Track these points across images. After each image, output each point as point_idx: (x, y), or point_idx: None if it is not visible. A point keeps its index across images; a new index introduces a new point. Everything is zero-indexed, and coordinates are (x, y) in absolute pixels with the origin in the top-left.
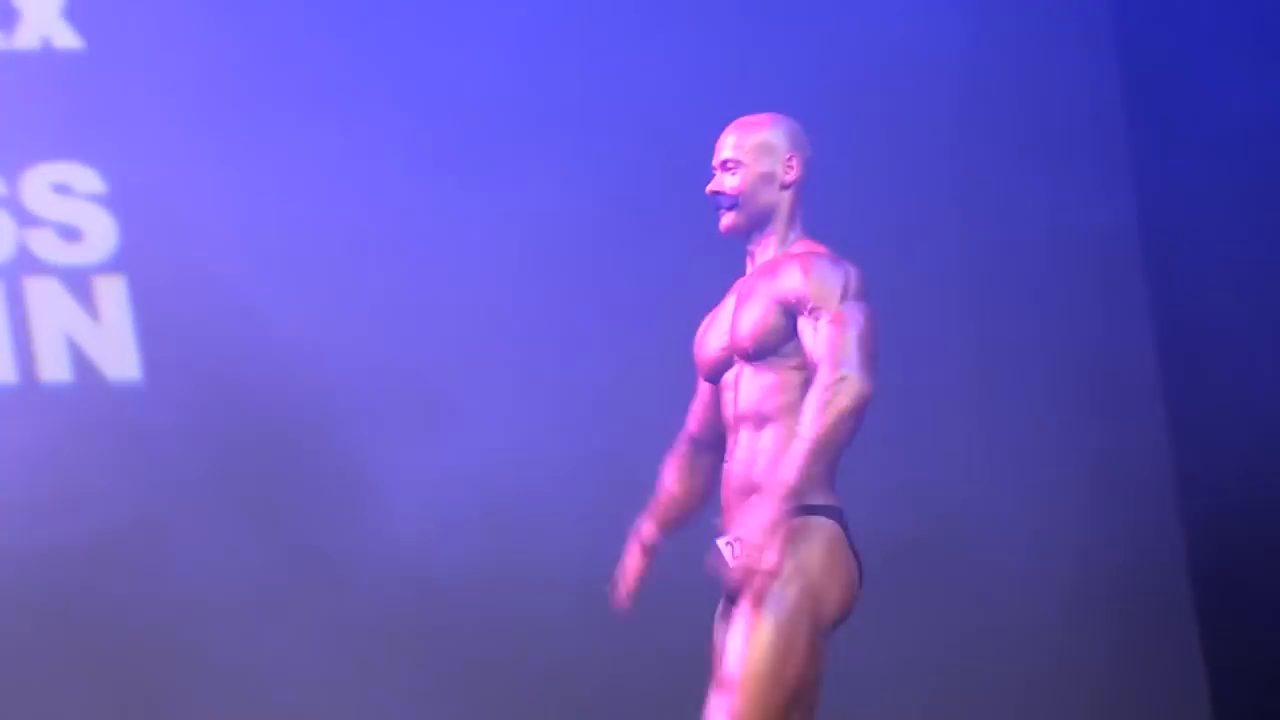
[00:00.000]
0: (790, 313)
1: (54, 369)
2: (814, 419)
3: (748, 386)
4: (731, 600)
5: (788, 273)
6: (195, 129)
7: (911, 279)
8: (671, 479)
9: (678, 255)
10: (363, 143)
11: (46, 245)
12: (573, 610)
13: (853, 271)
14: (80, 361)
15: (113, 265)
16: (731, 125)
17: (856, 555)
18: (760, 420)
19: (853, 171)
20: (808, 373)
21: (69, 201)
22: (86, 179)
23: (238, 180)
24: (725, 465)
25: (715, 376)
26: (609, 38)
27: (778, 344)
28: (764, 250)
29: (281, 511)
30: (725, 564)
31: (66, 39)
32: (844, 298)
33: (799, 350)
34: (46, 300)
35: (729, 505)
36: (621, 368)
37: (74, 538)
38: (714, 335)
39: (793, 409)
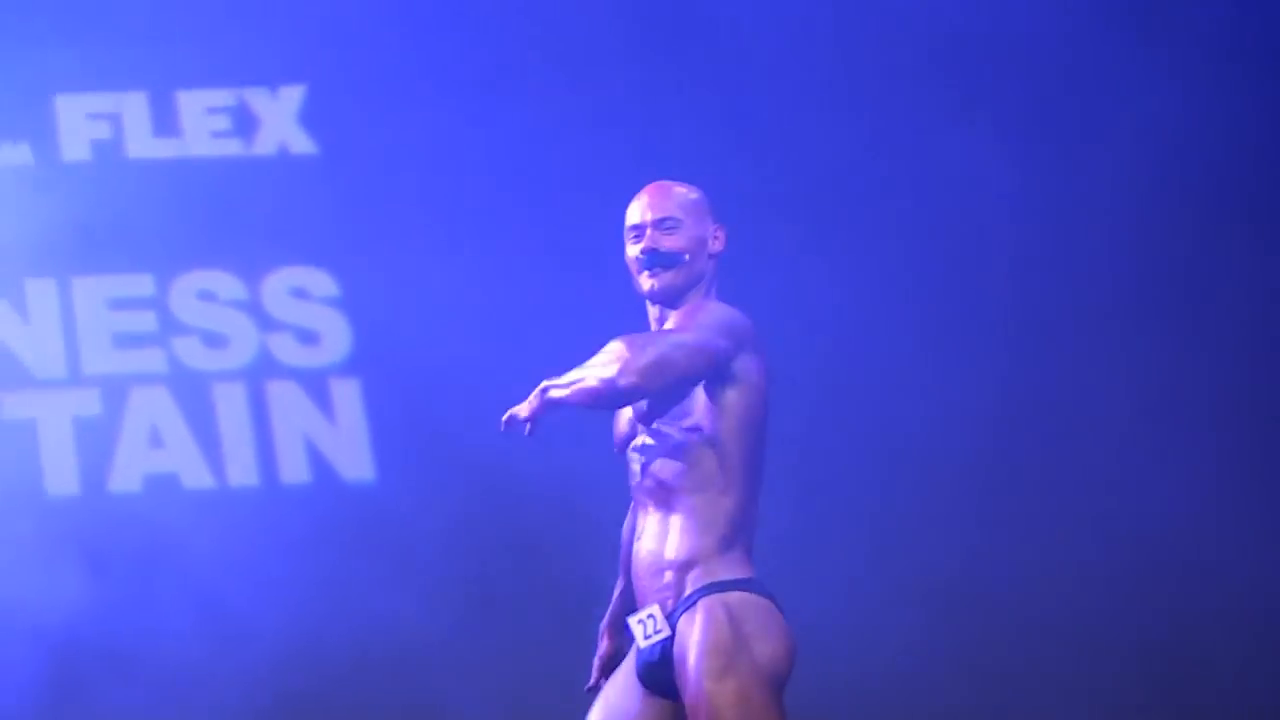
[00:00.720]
0: None
1: (294, 470)
2: (579, 370)
3: (649, 453)
4: (642, 680)
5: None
6: (425, 232)
7: (1184, 381)
8: (627, 532)
9: None
10: (598, 243)
11: (286, 349)
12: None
13: (740, 320)
14: (318, 463)
15: (348, 367)
16: (648, 188)
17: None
18: (666, 493)
19: (1119, 271)
20: (707, 433)
21: (306, 305)
22: (322, 283)
23: (468, 282)
24: (635, 543)
25: (623, 449)
26: None
27: (666, 403)
28: (674, 319)
29: (534, 617)
30: (636, 641)
31: (302, 145)
32: (707, 327)
33: (691, 408)
34: (286, 403)
35: (640, 583)
36: None
37: (317, 636)
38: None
39: (700, 480)
